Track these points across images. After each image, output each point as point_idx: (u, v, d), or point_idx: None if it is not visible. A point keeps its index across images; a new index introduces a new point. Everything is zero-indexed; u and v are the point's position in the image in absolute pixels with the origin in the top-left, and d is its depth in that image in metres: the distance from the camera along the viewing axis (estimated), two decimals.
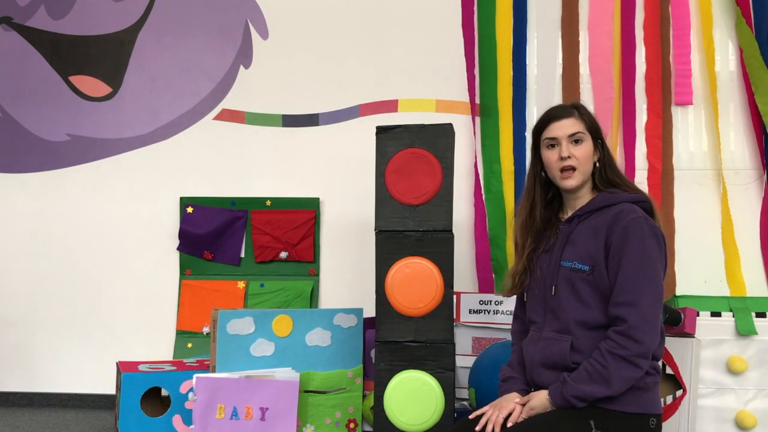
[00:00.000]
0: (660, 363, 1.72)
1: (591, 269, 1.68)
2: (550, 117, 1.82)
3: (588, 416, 1.60)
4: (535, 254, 1.86)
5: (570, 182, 1.78)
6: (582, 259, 1.70)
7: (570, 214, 1.82)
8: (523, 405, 1.70)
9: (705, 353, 2.41)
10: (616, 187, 1.79)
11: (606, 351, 1.59)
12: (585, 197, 1.81)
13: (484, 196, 3.25)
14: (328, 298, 3.36)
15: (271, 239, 3.35)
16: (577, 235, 1.75)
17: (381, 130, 2.37)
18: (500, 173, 3.25)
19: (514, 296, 1.95)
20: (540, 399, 1.67)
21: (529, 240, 1.86)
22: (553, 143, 1.80)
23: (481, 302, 2.95)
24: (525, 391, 1.77)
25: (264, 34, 3.50)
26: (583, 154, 1.77)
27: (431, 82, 3.35)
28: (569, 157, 1.76)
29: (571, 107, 1.83)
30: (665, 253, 1.69)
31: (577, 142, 1.78)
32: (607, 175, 1.80)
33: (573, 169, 1.77)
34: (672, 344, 2.39)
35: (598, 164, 1.80)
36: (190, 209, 3.40)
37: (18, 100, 3.59)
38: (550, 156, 1.80)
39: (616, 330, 1.60)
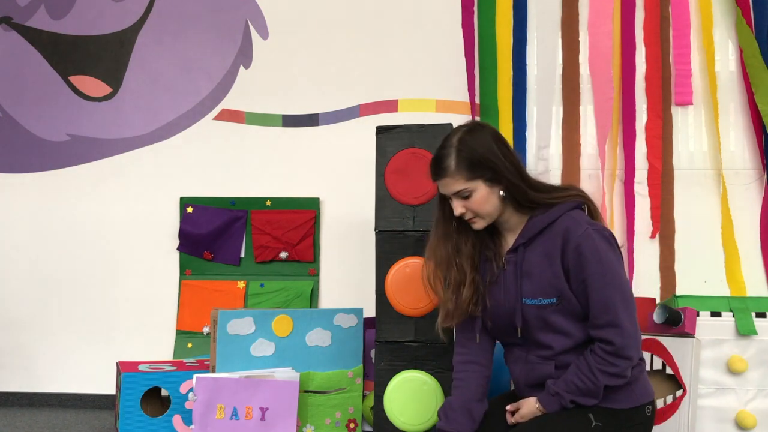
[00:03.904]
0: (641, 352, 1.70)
1: (558, 300, 1.63)
2: (431, 174, 1.71)
3: (587, 410, 1.61)
4: (477, 283, 1.74)
5: (478, 226, 1.71)
6: (545, 293, 1.64)
7: (510, 241, 1.73)
8: (513, 413, 1.72)
9: (705, 353, 2.41)
10: (539, 203, 1.67)
11: (597, 369, 1.58)
12: (512, 221, 1.72)
13: None
14: (328, 298, 3.36)
15: (271, 239, 3.35)
16: (530, 266, 1.66)
17: (381, 130, 2.37)
18: None
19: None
20: (529, 408, 1.67)
21: (460, 269, 1.73)
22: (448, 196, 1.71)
23: None
24: None
25: (264, 34, 3.50)
26: (476, 204, 1.66)
27: (431, 82, 3.35)
28: (464, 212, 1.68)
29: (442, 162, 1.67)
30: (619, 251, 1.64)
31: (465, 197, 1.66)
32: (525, 196, 1.67)
33: (474, 216, 1.69)
34: (672, 344, 2.39)
35: (504, 193, 1.66)
36: (190, 209, 3.40)
37: (18, 100, 3.59)
38: (451, 206, 1.71)
39: (606, 350, 1.57)
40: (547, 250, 1.64)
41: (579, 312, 1.63)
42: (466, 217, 1.70)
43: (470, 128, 1.71)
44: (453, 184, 1.67)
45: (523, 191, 1.67)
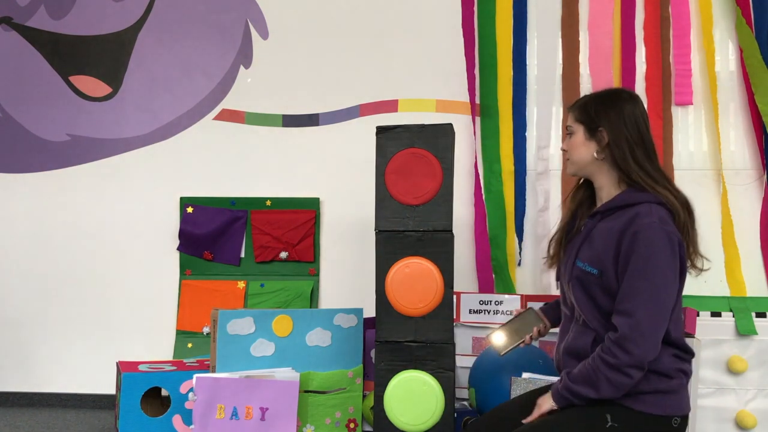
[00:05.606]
0: (688, 364, 1.68)
1: (600, 273, 1.66)
2: None
3: (604, 410, 1.60)
4: (565, 231, 1.87)
5: (567, 170, 1.85)
6: (593, 262, 1.68)
7: (596, 207, 1.79)
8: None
9: (705, 353, 2.41)
10: (638, 184, 1.70)
11: (598, 356, 1.59)
12: (606, 190, 1.76)
13: (484, 196, 3.25)
14: (328, 298, 3.36)
15: (271, 239, 3.36)
16: (596, 234, 1.71)
17: (381, 130, 2.37)
18: (500, 173, 3.25)
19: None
20: (546, 399, 1.68)
21: (566, 211, 1.89)
22: None
23: (481, 302, 2.95)
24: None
25: (264, 34, 3.50)
26: (570, 144, 1.80)
27: (431, 82, 3.35)
28: (565, 148, 1.83)
29: (579, 99, 1.86)
30: (681, 259, 1.64)
31: (569, 135, 1.82)
32: (627, 169, 1.70)
33: (568, 158, 1.82)
34: None
35: (599, 155, 1.73)
36: (190, 209, 3.40)
37: (18, 100, 3.59)
38: None
39: (611, 338, 1.58)
40: (616, 226, 1.67)
41: (616, 292, 1.64)
42: (565, 156, 1.84)
43: (617, 90, 1.84)
44: (568, 117, 1.84)
45: (623, 158, 1.70)
